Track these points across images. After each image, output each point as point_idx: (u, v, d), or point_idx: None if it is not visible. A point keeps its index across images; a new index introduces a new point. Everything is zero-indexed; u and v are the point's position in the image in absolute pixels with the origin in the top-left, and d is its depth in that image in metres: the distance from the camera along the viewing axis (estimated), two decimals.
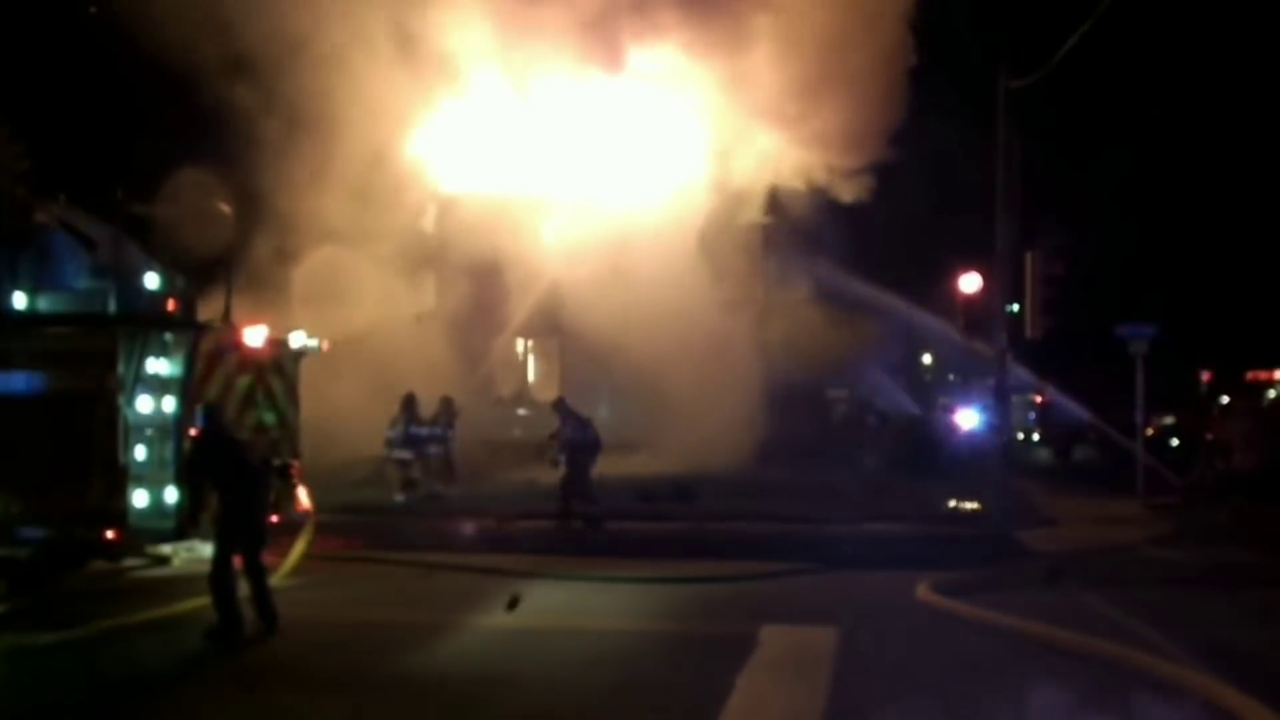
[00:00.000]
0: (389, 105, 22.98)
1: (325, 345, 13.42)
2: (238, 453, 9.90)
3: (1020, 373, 19.69)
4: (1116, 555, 14.28)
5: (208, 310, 13.11)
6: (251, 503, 9.71)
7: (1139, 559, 14.12)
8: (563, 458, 15.88)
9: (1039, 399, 30.65)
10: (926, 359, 39.15)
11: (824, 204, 23.00)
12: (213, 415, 10.22)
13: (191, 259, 13.53)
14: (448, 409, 19.29)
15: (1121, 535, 15.68)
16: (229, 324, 12.72)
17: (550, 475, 16.61)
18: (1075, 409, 26.35)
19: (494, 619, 10.42)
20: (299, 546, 12.33)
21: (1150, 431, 22.71)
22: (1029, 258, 17.45)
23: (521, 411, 24.00)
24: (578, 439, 16.01)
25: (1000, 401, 16.81)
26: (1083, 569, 12.65)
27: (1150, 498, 18.84)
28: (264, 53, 20.81)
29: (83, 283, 12.63)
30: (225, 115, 20.76)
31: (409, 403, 18.71)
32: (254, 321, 12.68)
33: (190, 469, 10.38)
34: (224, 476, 9.62)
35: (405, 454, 18.51)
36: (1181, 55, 31.73)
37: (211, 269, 13.46)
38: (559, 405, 16.59)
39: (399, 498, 18.37)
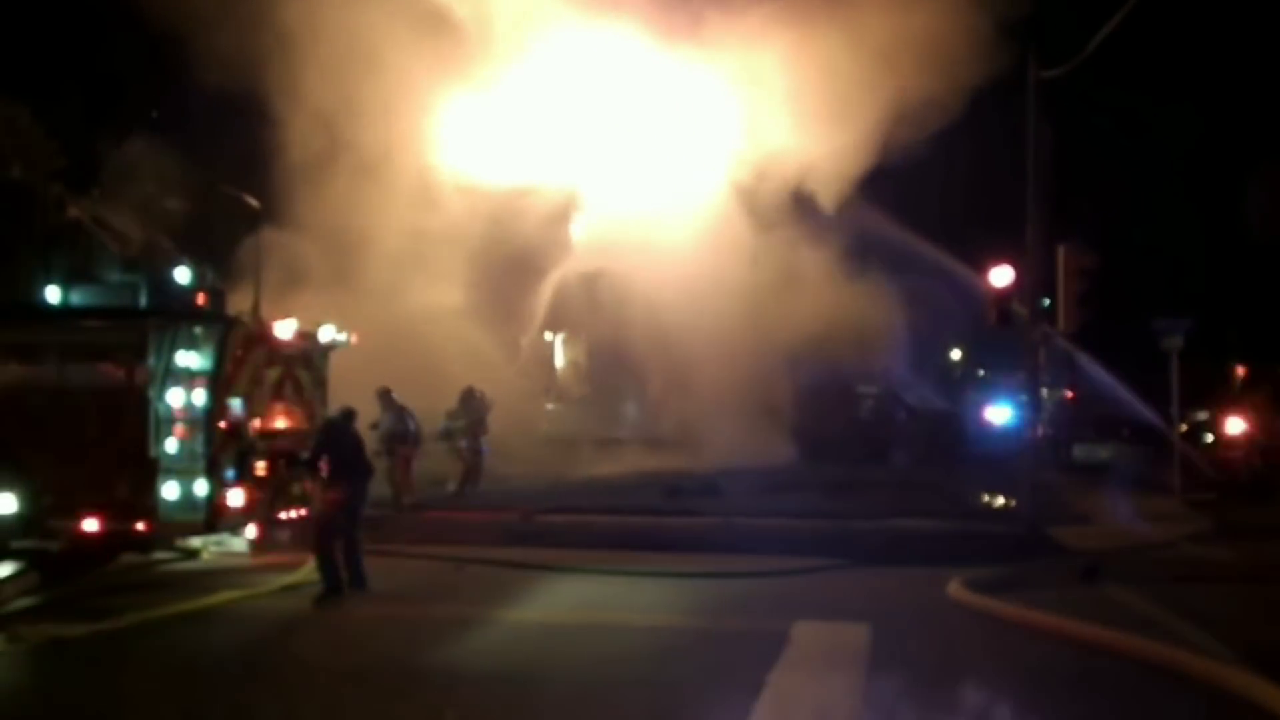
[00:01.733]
0: (417, 95, 22.90)
1: (354, 339, 13.42)
2: (358, 448, 11.13)
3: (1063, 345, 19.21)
4: (1154, 552, 14.06)
5: (237, 304, 13.15)
6: (360, 489, 11.09)
7: (1178, 556, 13.90)
8: (383, 448, 16.04)
9: (1069, 394, 30.31)
10: (955, 354, 38.80)
11: (856, 195, 22.71)
12: (351, 416, 11.39)
13: (221, 254, 13.59)
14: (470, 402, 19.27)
15: (1159, 532, 15.45)
16: (258, 318, 12.75)
17: (577, 469, 16.55)
18: (1109, 403, 26.04)
19: (522, 613, 10.38)
20: None
21: (1184, 427, 22.40)
22: (1061, 250, 17.18)
23: (550, 406, 23.98)
24: (397, 431, 16.03)
25: (1031, 397, 16.58)
26: (1120, 566, 12.46)
27: (1188, 493, 18.58)
28: (290, 42, 20.73)
29: (115, 277, 12.72)
30: (252, 109, 20.78)
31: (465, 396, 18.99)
32: (283, 315, 12.70)
33: (314, 454, 11.27)
34: (343, 466, 10.90)
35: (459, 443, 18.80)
36: (1217, 42, 31.16)
37: (240, 263, 13.52)
38: (382, 396, 16.62)
39: (450, 487, 18.47)
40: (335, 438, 11.16)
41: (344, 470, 10.98)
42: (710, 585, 11.83)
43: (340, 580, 10.75)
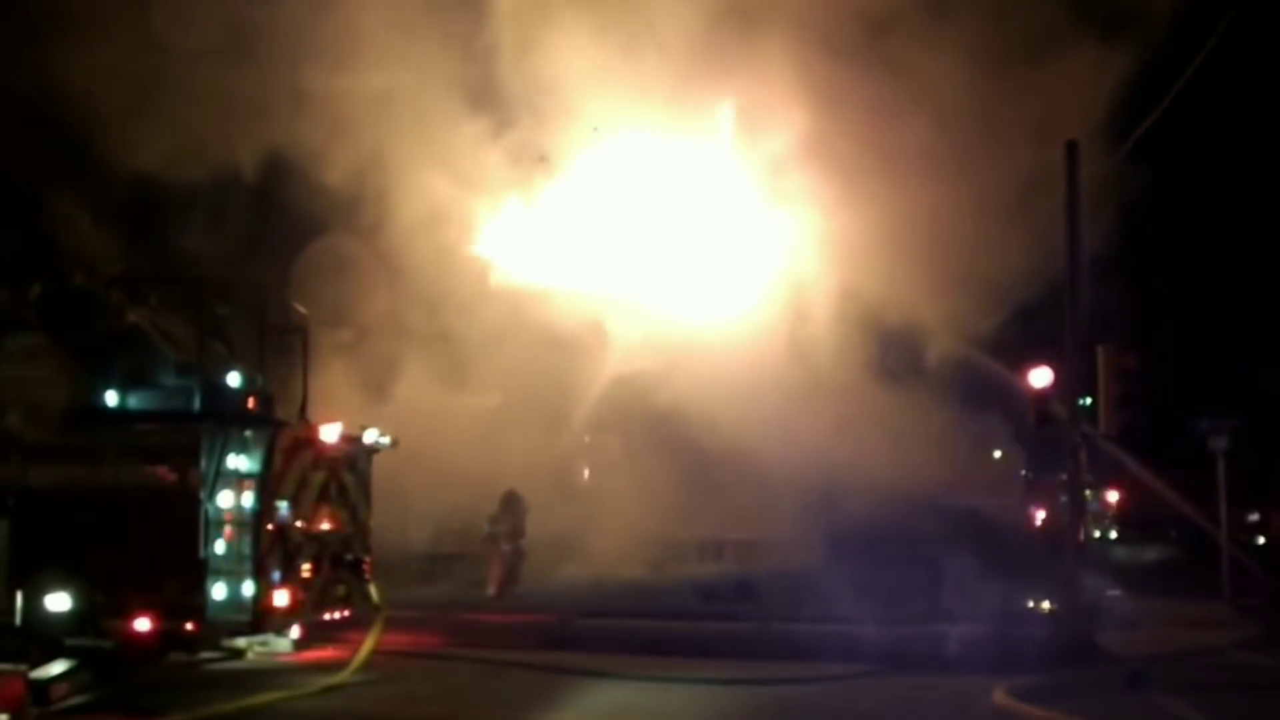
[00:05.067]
0: (457, 196, 23.36)
1: (397, 442, 13.69)
2: None
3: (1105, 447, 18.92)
4: (1203, 659, 13.81)
5: (285, 408, 13.46)
6: None
7: (1227, 663, 13.64)
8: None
9: (1117, 496, 29.93)
10: (997, 454, 38.35)
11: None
12: None
13: (269, 357, 13.92)
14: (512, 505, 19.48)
15: (1208, 638, 15.16)
16: (305, 421, 13.06)
17: (619, 573, 16.65)
18: (1156, 504, 25.68)
19: (557, 718, 10.37)
20: (368, 642, 12.48)
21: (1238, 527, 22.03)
22: (1100, 351, 17.21)
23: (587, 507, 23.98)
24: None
25: (1073, 498, 16.48)
26: (1168, 674, 12.26)
27: (1237, 598, 18.22)
28: (330, 143, 21.27)
29: (170, 381, 13.06)
30: (289, 211, 21.24)
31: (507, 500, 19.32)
32: (329, 419, 13.01)
33: None
34: None
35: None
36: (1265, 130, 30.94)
37: (289, 367, 13.87)
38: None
39: (490, 591, 18.64)
40: None
41: None
42: (745, 692, 11.76)
43: None
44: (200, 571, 11.68)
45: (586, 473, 25.11)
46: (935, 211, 20.59)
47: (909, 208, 20.84)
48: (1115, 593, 19.68)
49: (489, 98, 22.10)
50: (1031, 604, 17.77)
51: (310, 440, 12.69)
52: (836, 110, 21.03)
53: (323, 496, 12.77)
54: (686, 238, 23.64)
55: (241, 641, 12.72)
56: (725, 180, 22.92)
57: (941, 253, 20.52)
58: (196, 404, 12.62)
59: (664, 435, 21.82)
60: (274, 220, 21.57)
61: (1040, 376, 16.67)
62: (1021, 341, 20.37)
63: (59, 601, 11.66)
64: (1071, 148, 16.43)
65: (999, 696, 10.83)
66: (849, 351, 22.60)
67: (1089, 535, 21.01)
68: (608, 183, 23.49)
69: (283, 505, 12.20)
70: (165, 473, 12.06)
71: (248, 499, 12.00)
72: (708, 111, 22.61)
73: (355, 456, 13.38)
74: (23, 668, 9.93)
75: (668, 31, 21.34)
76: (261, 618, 11.93)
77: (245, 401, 12.93)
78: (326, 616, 12.77)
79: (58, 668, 10.50)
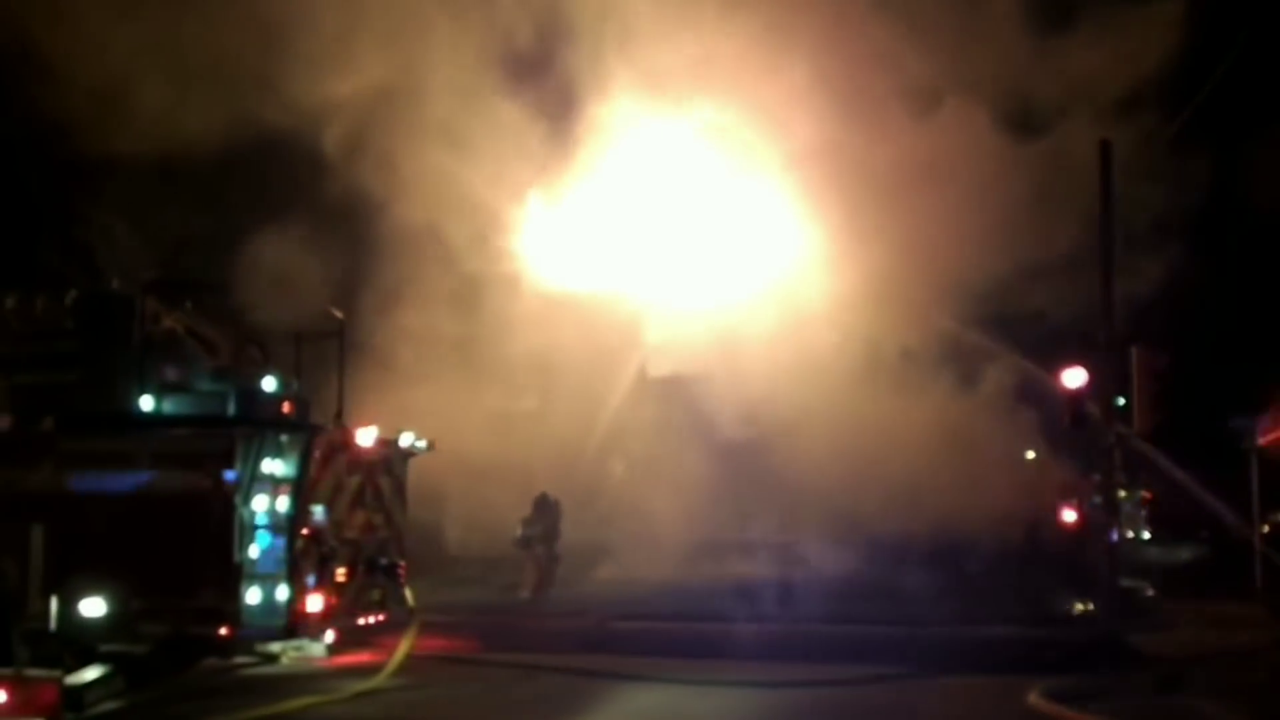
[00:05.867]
0: (492, 199, 23.37)
1: (434, 446, 13.75)
2: None
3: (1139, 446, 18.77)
4: (1238, 660, 13.69)
5: (320, 412, 13.53)
6: None
7: (1263, 664, 13.51)
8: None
9: (1148, 495, 29.62)
10: (1029, 454, 38.05)
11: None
12: None
13: (305, 362, 14.01)
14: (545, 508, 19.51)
15: (1241, 639, 15.04)
16: (341, 425, 13.13)
17: (654, 575, 16.68)
18: (1187, 503, 25.41)
19: None
20: (403, 646, 12.53)
21: (1265, 528, 21.80)
22: (1134, 351, 17.10)
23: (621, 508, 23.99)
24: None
25: (1107, 499, 16.38)
26: (1201, 675, 12.17)
27: (1270, 598, 18.03)
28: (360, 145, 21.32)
29: (205, 385, 13.16)
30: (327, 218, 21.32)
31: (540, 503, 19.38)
32: (364, 423, 13.08)
33: None
34: None
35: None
36: None
37: (324, 371, 13.95)
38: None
39: (524, 594, 18.70)
40: None
41: None
42: (780, 695, 11.74)
43: None
44: (235, 576, 11.76)
45: (620, 475, 25.10)
46: (969, 214, 20.51)
47: (943, 209, 20.77)
48: (1149, 593, 19.55)
49: (523, 92, 22.16)
50: (1066, 605, 17.68)
51: (346, 444, 12.77)
52: (863, 104, 20.99)
53: (358, 501, 12.85)
54: (723, 238, 23.57)
55: (276, 646, 12.76)
56: (761, 178, 22.81)
57: (977, 253, 20.45)
58: (231, 409, 12.71)
59: (699, 437, 21.80)
60: (299, 220, 21.68)
61: (1074, 377, 16.61)
62: (1056, 342, 20.22)
63: (94, 607, 11.74)
64: (1105, 147, 16.39)
65: (1033, 698, 10.81)
66: (885, 353, 22.52)
67: (1122, 536, 20.86)
68: (642, 180, 23.40)
69: (318, 510, 12.28)
70: (200, 478, 12.14)
71: (283, 503, 12.08)
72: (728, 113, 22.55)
73: (391, 460, 13.45)
74: (57, 673, 10.00)
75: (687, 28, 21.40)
76: (296, 622, 12.00)
77: (280, 406, 13.01)
78: (361, 621, 12.84)
79: (92, 673, 10.58)
